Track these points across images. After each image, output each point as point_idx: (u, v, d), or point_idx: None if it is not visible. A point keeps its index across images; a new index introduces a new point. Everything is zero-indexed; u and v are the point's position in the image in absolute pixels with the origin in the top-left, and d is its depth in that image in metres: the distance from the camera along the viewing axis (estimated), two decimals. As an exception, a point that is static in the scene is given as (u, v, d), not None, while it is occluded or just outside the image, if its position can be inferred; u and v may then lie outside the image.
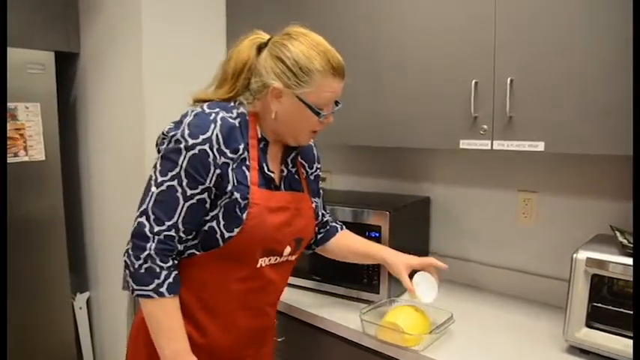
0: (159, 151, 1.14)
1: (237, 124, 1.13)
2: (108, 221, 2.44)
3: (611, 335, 1.21)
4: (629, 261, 1.16)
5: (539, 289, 1.66)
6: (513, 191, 1.73)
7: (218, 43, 2.24)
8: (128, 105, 2.17)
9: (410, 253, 1.42)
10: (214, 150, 1.08)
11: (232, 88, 1.18)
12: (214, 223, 1.12)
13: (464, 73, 1.44)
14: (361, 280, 1.63)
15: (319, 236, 1.46)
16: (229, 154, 1.10)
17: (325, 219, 1.47)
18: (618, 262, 1.18)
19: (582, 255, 1.24)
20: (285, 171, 1.26)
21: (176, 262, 1.12)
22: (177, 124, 1.11)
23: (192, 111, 1.12)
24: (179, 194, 1.08)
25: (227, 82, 1.19)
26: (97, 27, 2.34)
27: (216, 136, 1.08)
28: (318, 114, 1.14)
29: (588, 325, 1.24)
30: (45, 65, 2.24)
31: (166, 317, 1.09)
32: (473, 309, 1.61)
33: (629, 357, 1.15)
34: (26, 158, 2.21)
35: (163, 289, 1.07)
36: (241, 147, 1.13)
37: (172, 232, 1.09)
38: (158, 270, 1.07)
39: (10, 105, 2.12)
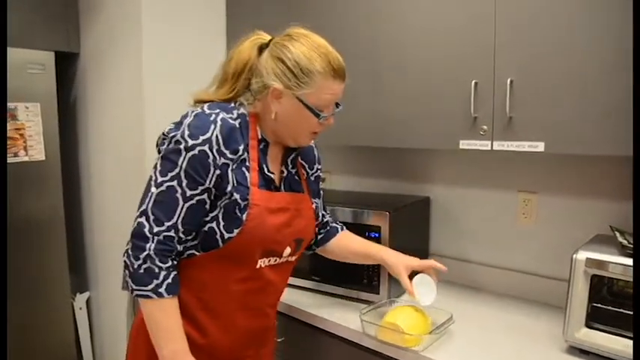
0: (159, 152, 1.14)
1: (238, 125, 1.13)
2: (108, 221, 2.44)
3: (610, 335, 1.21)
4: (629, 261, 1.16)
5: (539, 289, 1.66)
6: (513, 192, 1.73)
7: (218, 43, 2.24)
8: (128, 105, 2.17)
9: (410, 254, 1.42)
10: (214, 151, 1.08)
11: (232, 88, 1.18)
12: (214, 224, 1.12)
13: (464, 74, 1.44)
14: (361, 281, 1.63)
15: (319, 237, 1.46)
16: (229, 155, 1.10)
17: (325, 219, 1.47)
18: (618, 262, 1.18)
19: (582, 255, 1.24)
20: (285, 172, 1.26)
21: (175, 262, 1.12)
22: (178, 124, 1.11)
23: (193, 112, 1.12)
24: (179, 195, 1.08)
25: (227, 82, 1.19)
26: (97, 27, 2.34)
27: (216, 137, 1.08)
28: (317, 115, 1.14)
29: (588, 326, 1.24)
30: (45, 65, 2.24)
31: (165, 317, 1.09)
32: (473, 309, 1.61)
33: (629, 357, 1.15)
34: (26, 158, 2.21)
35: (162, 290, 1.08)
36: (241, 148, 1.13)
37: (172, 233, 1.09)
38: (157, 270, 1.07)
39: (10, 105, 2.12)
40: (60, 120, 2.32)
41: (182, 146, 1.07)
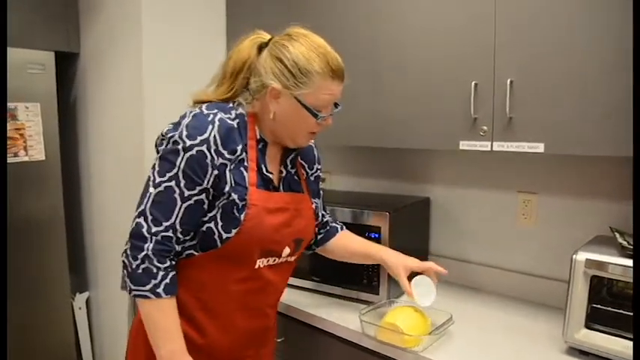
0: (157, 152, 1.14)
1: (236, 125, 1.13)
2: (108, 221, 2.44)
3: (610, 336, 1.21)
4: (629, 262, 1.16)
5: (539, 290, 1.66)
6: (513, 192, 1.73)
7: (218, 43, 2.24)
8: (128, 105, 2.17)
9: (409, 254, 1.42)
10: (212, 151, 1.08)
11: (231, 87, 1.18)
12: (212, 224, 1.12)
13: (464, 74, 1.44)
14: (361, 281, 1.63)
15: (319, 237, 1.46)
16: (227, 155, 1.10)
17: (325, 219, 1.47)
18: (618, 263, 1.18)
19: (582, 256, 1.24)
20: (284, 172, 1.26)
21: (173, 262, 1.13)
22: (176, 125, 1.11)
23: (191, 112, 1.12)
24: (177, 195, 1.08)
25: (226, 81, 1.19)
26: (97, 27, 2.34)
27: (214, 137, 1.08)
28: (316, 116, 1.14)
29: (587, 327, 1.24)
30: (45, 65, 2.24)
31: (163, 317, 1.10)
32: (472, 310, 1.61)
33: (629, 358, 1.15)
34: (26, 158, 2.21)
35: (160, 290, 1.08)
36: (239, 148, 1.13)
37: (170, 233, 1.09)
38: (155, 270, 1.08)
39: (10, 105, 2.12)
40: (60, 120, 2.32)
41: (180, 147, 1.07)
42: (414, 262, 1.38)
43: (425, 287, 1.36)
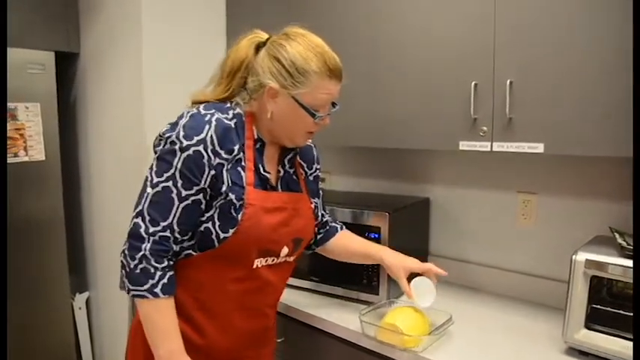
0: (155, 153, 1.14)
1: (233, 125, 1.13)
2: (108, 221, 2.44)
3: (610, 337, 1.21)
4: (629, 263, 1.16)
5: (539, 290, 1.65)
6: (513, 192, 1.73)
7: (218, 43, 2.24)
8: (128, 105, 2.17)
9: (409, 255, 1.41)
10: (209, 151, 1.08)
11: (228, 87, 1.18)
12: (210, 224, 1.12)
13: (463, 74, 1.44)
14: (361, 281, 1.63)
15: (319, 236, 1.46)
16: (224, 155, 1.11)
17: (325, 219, 1.47)
18: (617, 263, 1.18)
19: (581, 256, 1.24)
20: (282, 171, 1.26)
21: (171, 262, 1.13)
22: (173, 125, 1.11)
23: (188, 112, 1.12)
24: (174, 195, 1.09)
25: (223, 80, 1.19)
26: (97, 27, 2.34)
27: (211, 137, 1.08)
28: (313, 115, 1.14)
29: (587, 327, 1.24)
30: (45, 65, 2.24)
31: (160, 317, 1.10)
32: (472, 310, 1.61)
33: (629, 358, 1.15)
34: (26, 158, 2.21)
35: (157, 290, 1.08)
36: (236, 148, 1.13)
37: (167, 233, 1.09)
38: (153, 270, 1.08)
39: (10, 105, 2.12)
40: (60, 120, 2.32)
41: (177, 147, 1.08)
42: (413, 263, 1.38)
43: (425, 288, 1.36)
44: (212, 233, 1.12)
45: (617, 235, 1.29)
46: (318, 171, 1.40)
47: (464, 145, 1.47)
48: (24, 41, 2.19)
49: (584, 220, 1.56)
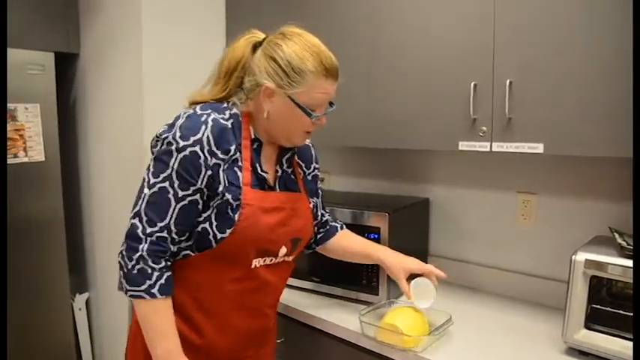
0: (152, 154, 1.14)
1: (230, 126, 1.13)
2: (107, 222, 2.44)
3: (609, 337, 1.21)
4: (628, 263, 1.16)
5: (538, 290, 1.65)
6: (512, 193, 1.73)
7: (218, 44, 2.24)
8: (128, 105, 2.17)
9: (409, 255, 1.41)
10: (205, 151, 1.09)
11: (225, 87, 1.19)
12: (207, 225, 1.13)
13: (463, 74, 1.44)
14: (360, 282, 1.63)
15: (319, 236, 1.46)
16: (220, 155, 1.11)
17: (325, 218, 1.47)
18: (617, 263, 1.18)
19: (581, 257, 1.24)
20: (280, 171, 1.26)
21: (169, 263, 1.13)
22: (170, 126, 1.12)
23: (185, 113, 1.13)
24: (171, 196, 1.09)
25: (220, 80, 1.19)
26: (97, 27, 2.34)
27: (207, 137, 1.09)
28: (309, 115, 1.14)
29: (587, 327, 1.24)
30: (45, 66, 2.24)
31: (158, 318, 1.10)
32: (472, 310, 1.60)
33: (628, 358, 1.15)
34: (26, 159, 2.21)
35: (155, 290, 1.08)
36: (232, 148, 1.13)
37: (164, 234, 1.09)
38: (150, 271, 1.08)
39: (9, 106, 2.12)
40: (59, 121, 2.32)
41: (173, 147, 1.08)
42: (414, 264, 1.37)
43: (424, 289, 1.36)
44: (209, 233, 1.13)
45: (616, 235, 1.29)
46: (316, 170, 1.40)
47: (463, 146, 1.47)
48: (24, 42, 2.19)
49: (584, 220, 1.56)
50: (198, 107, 1.14)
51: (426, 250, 1.95)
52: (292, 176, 1.30)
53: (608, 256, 1.20)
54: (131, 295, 1.09)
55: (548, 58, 1.29)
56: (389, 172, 2.08)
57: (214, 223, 1.12)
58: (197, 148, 1.08)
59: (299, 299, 1.67)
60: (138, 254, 1.07)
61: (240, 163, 1.15)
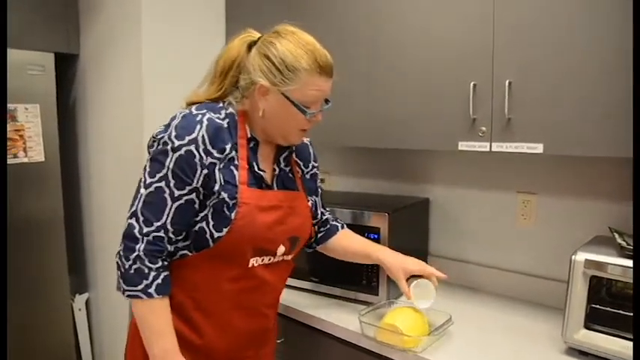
0: (149, 154, 1.14)
1: (225, 125, 1.14)
2: (107, 222, 2.44)
3: (609, 337, 1.21)
4: (628, 263, 1.16)
5: (538, 290, 1.65)
6: (512, 193, 1.73)
7: (218, 44, 2.24)
8: (128, 105, 2.17)
9: (409, 255, 1.41)
10: (200, 150, 1.09)
11: (221, 86, 1.19)
12: (204, 224, 1.13)
13: (463, 74, 1.44)
14: (360, 282, 1.63)
15: (319, 235, 1.46)
16: (216, 154, 1.11)
17: (325, 217, 1.47)
18: (617, 263, 1.18)
19: (581, 257, 1.24)
20: (278, 170, 1.26)
21: (166, 263, 1.13)
22: (166, 126, 1.12)
23: (181, 113, 1.13)
24: (167, 195, 1.09)
25: (216, 79, 1.20)
26: (97, 27, 2.34)
27: (202, 136, 1.09)
28: (304, 112, 1.14)
29: (587, 327, 1.24)
30: (45, 66, 2.24)
31: (155, 318, 1.11)
32: (472, 310, 1.60)
33: (628, 358, 1.15)
34: (26, 159, 2.21)
35: (152, 290, 1.08)
36: (228, 147, 1.13)
37: (161, 233, 1.10)
38: (147, 271, 1.09)
39: (9, 106, 2.12)
40: (59, 121, 2.32)
41: (169, 147, 1.08)
42: (414, 265, 1.37)
43: (424, 289, 1.35)
44: (206, 233, 1.13)
45: (616, 235, 1.29)
46: (315, 169, 1.40)
47: (463, 146, 1.47)
48: (24, 42, 2.19)
49: (584, 220, 1.56)
50: (193, 107, 1.15)
51: (426, 250, 1.95)
52: (290, 175, 1.30)
53: (608, 256, 1.20)
54: (128, 295, 1.09)
55: (548, 58, 1.29)
56: (389, 172, 2.08)
57: (211, 223, 1.12)
58: (192, 147, 1.08)
59: (298, 299, 1.67)
60: (135, 254, 1.08)
61: (236, 162, 1.15)
